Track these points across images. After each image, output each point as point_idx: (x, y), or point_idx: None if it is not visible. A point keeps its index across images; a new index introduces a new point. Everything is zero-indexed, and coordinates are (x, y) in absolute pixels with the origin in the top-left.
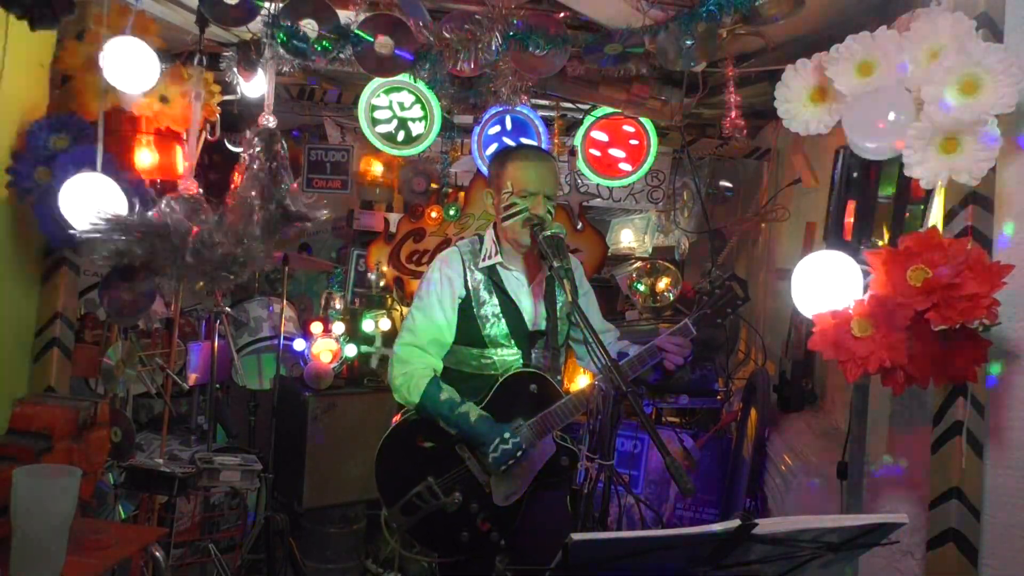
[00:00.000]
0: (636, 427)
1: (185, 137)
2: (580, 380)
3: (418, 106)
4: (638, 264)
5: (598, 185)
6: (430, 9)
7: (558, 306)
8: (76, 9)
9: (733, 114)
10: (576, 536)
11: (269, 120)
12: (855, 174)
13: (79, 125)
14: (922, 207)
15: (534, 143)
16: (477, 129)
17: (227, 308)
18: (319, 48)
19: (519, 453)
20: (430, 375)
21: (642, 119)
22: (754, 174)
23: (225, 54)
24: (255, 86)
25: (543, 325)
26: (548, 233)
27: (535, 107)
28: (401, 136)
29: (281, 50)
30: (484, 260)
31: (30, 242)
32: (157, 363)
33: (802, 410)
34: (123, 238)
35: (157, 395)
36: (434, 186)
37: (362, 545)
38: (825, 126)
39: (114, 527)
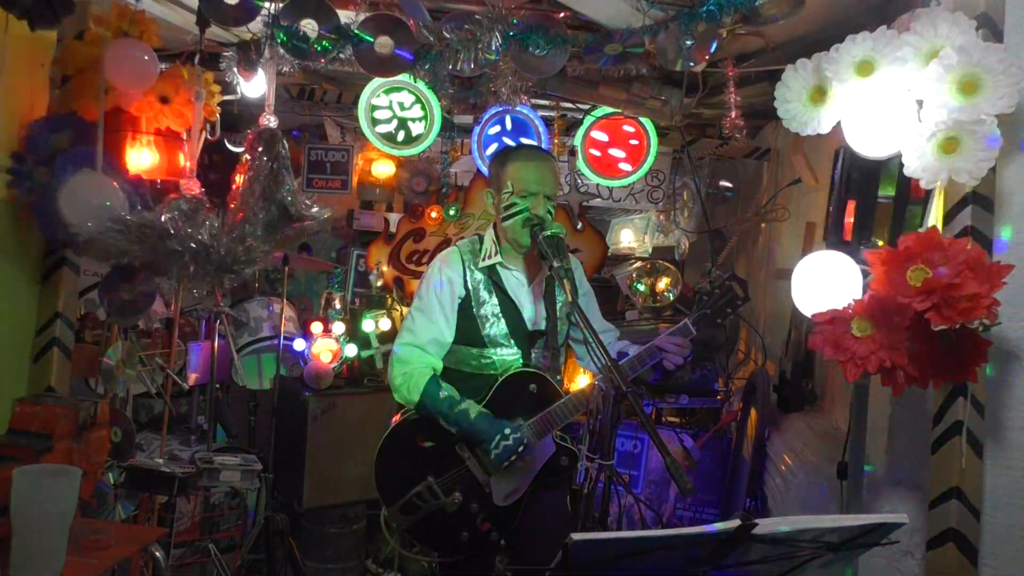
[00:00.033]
0: (636, 427)
1: (185, 137)
2: (580, 380)
3: (418, 106)
4: (638, 264)
5: (598, 185)
6: (430, 9)
7: (558, 306)
8: (76, 9)
9: (733, 114)
10: (576, 536)
11: (270, 120)
12: (855, 174)
13: (79, 125)
14: (922, 207)
15: (534, 143)
16: (477, 129)
17: (227, 308)
18: (319, 48)
19: (520, 449)
20: (429, 373)
21: (642, 119)
22: (754, 174)
23: (225, 54)
24: (255, 86)
25: (543, 325)
26: (548, 233)
27: (535, 107)
28: (401, 136)
29: (281, 50)
30: (484, 260)
31: (30, 242)
32: (157, 363)
33: (802, 410)
34: (124, 240)
35: (157, 395)
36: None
37: (362, 545)
38: (825, 126)
39: (114, 527)
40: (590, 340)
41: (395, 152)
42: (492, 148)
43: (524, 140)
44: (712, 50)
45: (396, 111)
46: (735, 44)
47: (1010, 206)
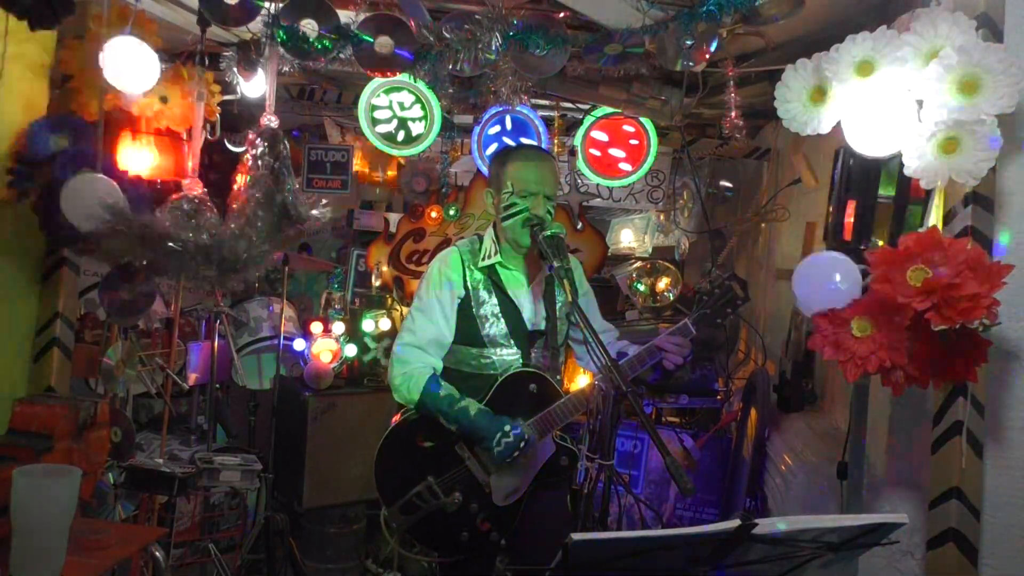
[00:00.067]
0: (636, 427)
1: (185, 137)
2: (580, 380)
3: (418, 106)
4: (638, 264)
5: (598, 185)
6: (430, 9)
7: (557, 306)
8: (76, 9)
9: (733, 114)
10: (576, 536)
11: (271, 120)
12: (855, 174)
13: (79, 125)
14: (922, 207)
15: (534, 143)
16: (477, 129)
17: (227, 308)
18: (319, 47)
19: (522, 444)
20: (429, 373)
21: (642, 119)
22: (754, 174)
23: (225, 54)
24: (255, 86)
25: (542, 325)
26: (548, 233)
27: (535, 107)
28: (401, 136)
29: (281, 50)
30: (483, 260)
31: (30, 242)
32: (157, 363)
33: (802, 410)
34: (127, 241)
35: (157, 395)
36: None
37: (362, 545)
38: (825, 126)
39: (114, 527)
40: (590, 340)
41: (395, 152)
42: (492, 148)
43: (524, 140)
44: (712, 50)
45: (396, 111)
46: (735, 44)
47: (1010, 206)
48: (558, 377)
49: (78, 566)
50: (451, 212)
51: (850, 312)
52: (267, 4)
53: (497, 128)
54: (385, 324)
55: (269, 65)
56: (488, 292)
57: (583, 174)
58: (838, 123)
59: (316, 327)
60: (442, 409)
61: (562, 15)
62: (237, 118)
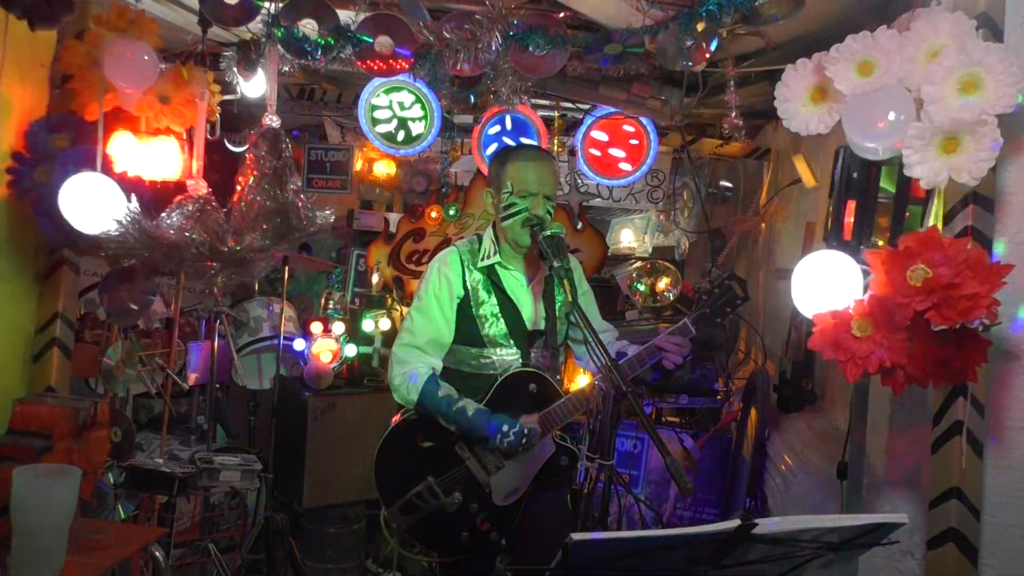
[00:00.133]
0: (636, 427)
1: (185, 137)
2: (580, 380)
3: (418, 106)
4: (638, 264)
5: (598, 185)
6: (430, 9)
7: (557, 306)
8: (76, 9)
9: (733, 114)
10: (576, 536)
11: (273, 120)
12: (855, 174)
13: (79, 125)
14: (922, 207)
15: (534, 143)
16: (477, 129)
17: (227, 308)
18: (320, 43)
19: (524, 440)
20: (428, 373)
21: (642, 119)
22: (754, 174)
23: (225, 54)
24: (255, 86)
25: (542, 325)
26: (548, 233)
27: (535, 107)
28: (401, 136)
29: (281, 49)
30: (483, 260)
31: (30, 242)
32: (157, 363)
33: (802, 410)
34: (131, 243)
35: (157, 395)
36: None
37: (362, 545)
38: (825, 126)
39: (114, 527)
40: (590, 340)
41: (395, 152)
42: (492, 148)
43: (524, 140)
44: (712, 50)
45: (396, 111)
46: (735, 44)
47: (1010, 206)
48: (558, 377)
49: (78, 566)
50: (451, 212)
51: (850, 312)
52: (267, 4)
53: (497, 128)
54: (385, 324)
55: (269, 65)
56: (487, 292)
57: (583, 174)
58: (838, 123)
59: (316, 327)
60: (441, 409)
61: (562, 15)
62: (237, 118)
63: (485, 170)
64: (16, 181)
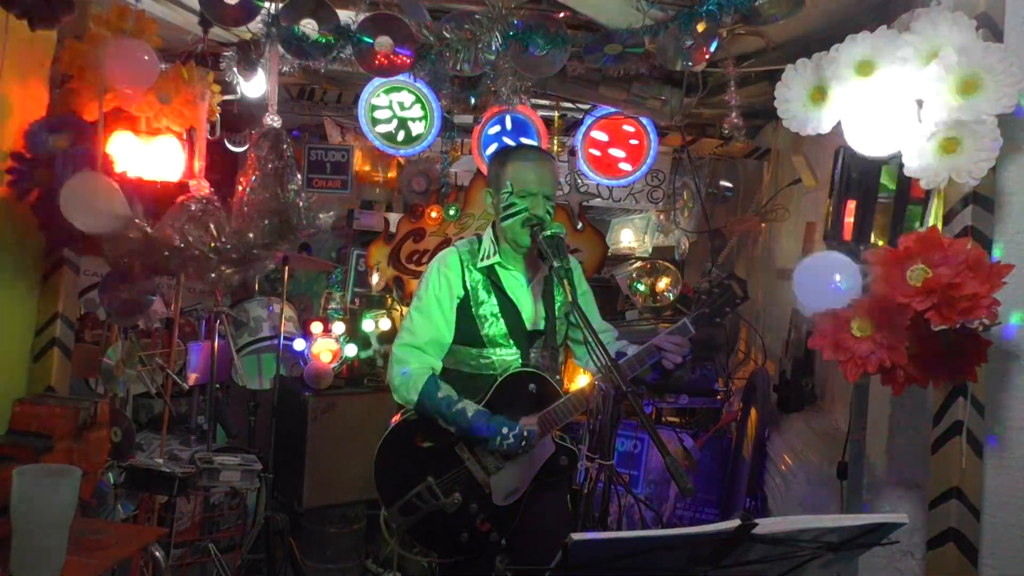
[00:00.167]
0: (636, 427)
1: (185, 137)
2: (580, 380)
3: (418, 106)
4: (638, 264)
5: (598, 185)
6: (430, 9)
7: (557, 306)
8: (76, 9)
9: (733, 114)
10: (576, 536)
11: (274, 120)
12: (855, 174)
13: (79, 125)
14: (922, 207)
15: (534, 143)
16: (477, 129)
17: (227, 308)
18: (322, 41)
19: (523, 443)
20: (428, 373)
21: (642, 119)
22: (754, 174)
23: (225, 54)
24: (255, 86)
25: (542, 325)
26: (548, 233)
27: (535, 107)
28: (401, 136)
29: (281, 49)
30: (482, 260)
31: (30, 242)
32: (157, 363)
33: (802, 410)
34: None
35: (157, 395)
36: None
37: (362, 545)
38: (825, 126)
39: (114, 527)
40: (590, 340)
41: (395, 152)
42: (492, 148)
43: (524, 140)
44: (712, 50)
45: (396, 111)
46: (735, 44)
47: (1010, 206)
48: (557, 377)
49: (78, 566)
50: (451, 212)
51: (850, 312)
52: (267, 4)
53: (497, 128)
54: (385, 324)
55: (270, 65)
56: (487, 292)
57: (583, 174)
58: (838, 123)
59: (316, 327)
60: (440, 410)
61: (562, 15)
62: (237, 118)
63: (485, 170)
64: (16, 181)
